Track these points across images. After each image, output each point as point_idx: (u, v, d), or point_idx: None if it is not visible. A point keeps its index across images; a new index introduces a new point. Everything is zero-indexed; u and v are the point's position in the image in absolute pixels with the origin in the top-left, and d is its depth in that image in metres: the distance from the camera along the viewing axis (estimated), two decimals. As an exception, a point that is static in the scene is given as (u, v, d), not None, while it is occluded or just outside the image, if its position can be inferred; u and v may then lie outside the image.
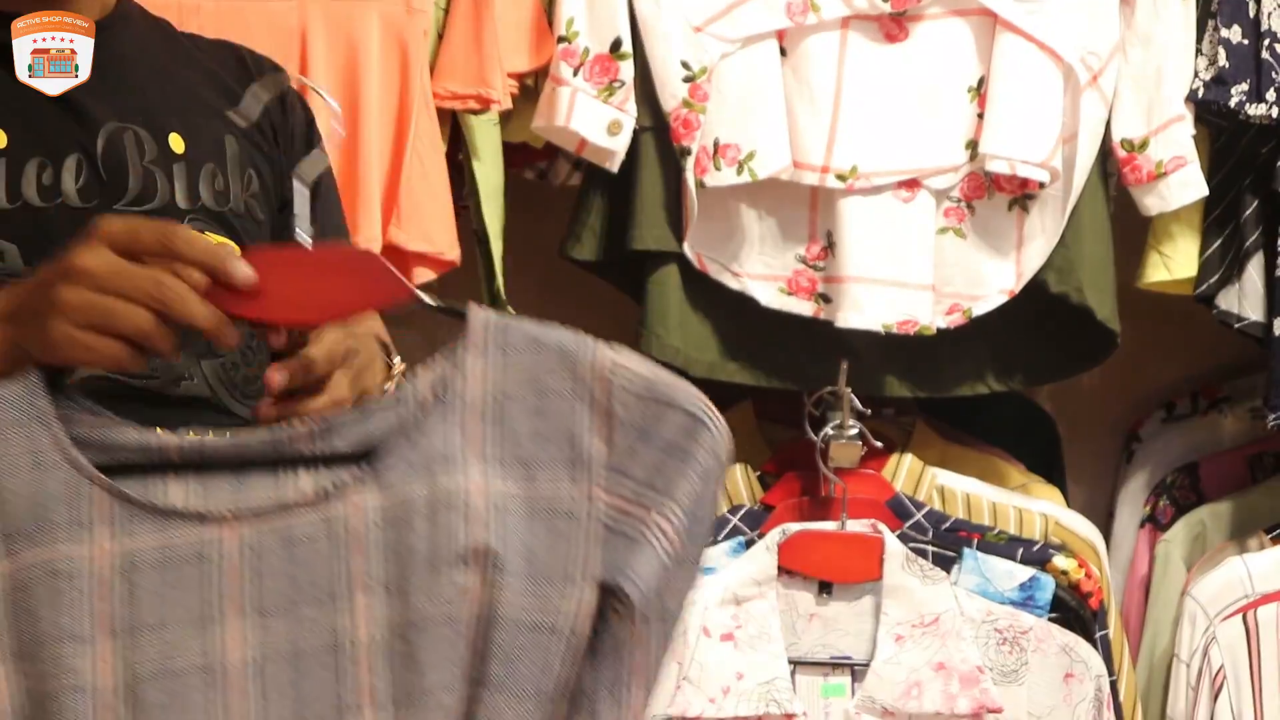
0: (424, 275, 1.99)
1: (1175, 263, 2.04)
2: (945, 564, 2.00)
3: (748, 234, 1.99)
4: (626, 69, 1.92)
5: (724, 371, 2.03)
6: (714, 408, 1.03)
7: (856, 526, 1.99)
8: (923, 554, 1.99)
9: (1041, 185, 1.94)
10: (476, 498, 1.00)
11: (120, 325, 1.13)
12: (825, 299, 2.02)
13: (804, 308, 2.02)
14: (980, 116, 1.94)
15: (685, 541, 1.00)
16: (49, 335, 1.17)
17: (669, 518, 1.00)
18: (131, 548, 1.07)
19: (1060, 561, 1.99)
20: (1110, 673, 1.96)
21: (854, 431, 1.99)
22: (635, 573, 1.00)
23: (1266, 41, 1.99)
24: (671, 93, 1.91)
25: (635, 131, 1.93)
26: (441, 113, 1.91)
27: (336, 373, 1.25)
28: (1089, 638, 1.96)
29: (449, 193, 2.03)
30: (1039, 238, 1.99)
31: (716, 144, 1.93)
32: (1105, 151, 2.00)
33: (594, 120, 1.91)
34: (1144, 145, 1.97)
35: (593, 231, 2.01)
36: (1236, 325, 2.05)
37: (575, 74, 1.90)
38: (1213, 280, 2.04)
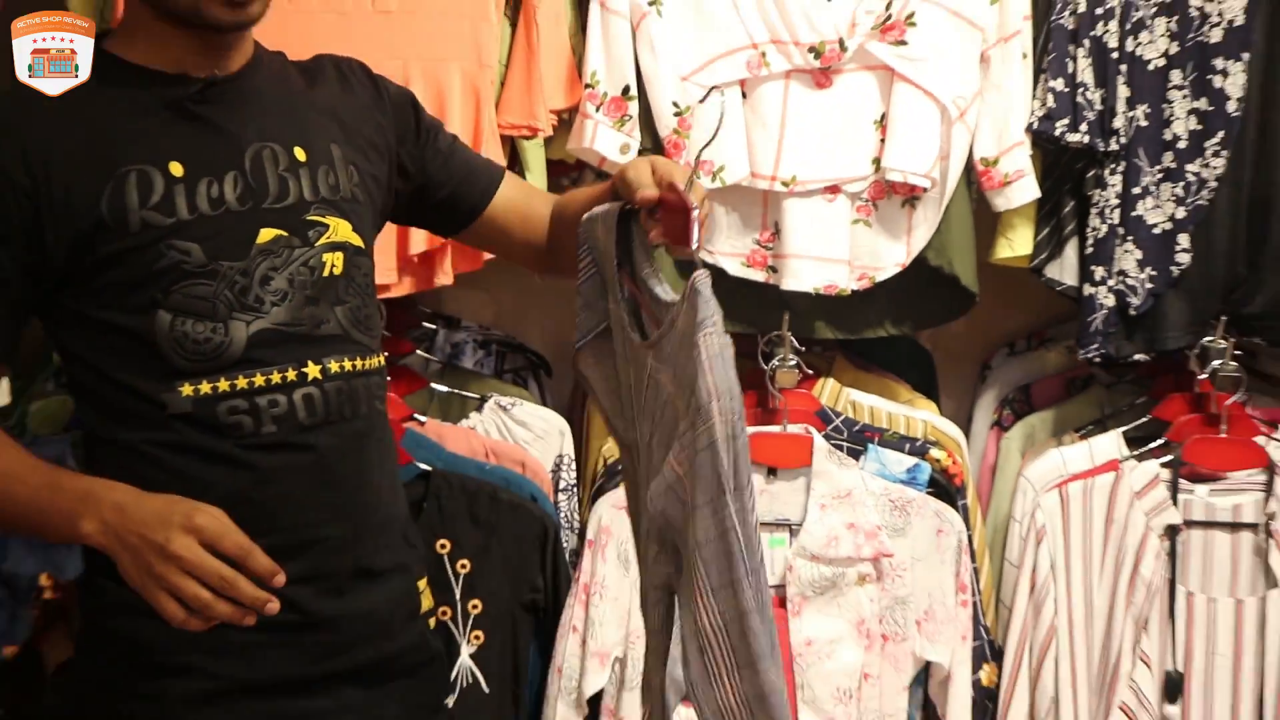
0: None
1: (1016, 244, 2.22)
2: (855, 455, 2.16)
3: (719, 224, 2.14)
4: (634, 107, 2.07)
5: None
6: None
7: (794, 429, 2.16)
8: (840, 448, 2.16)
9: (925, 190, 2.11)
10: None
11: (186, 597, 1.36)
12: (774, 270, 2.16)
13: (758, 276, 2.16)
14: (882, 141, 2.10)
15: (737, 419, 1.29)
16: (135, 578, 1.39)
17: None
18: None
19: (935, 453, 2.18)
20: (968, 529, 2.15)
21: (793, 362, 2.16)
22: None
23: (1080, 90, 2.14)
24: (665, 124, 2.08)
25: (639, 151, 2.07)
26: (503, 138, 2.10)
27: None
28: (954, 505, 2.15)
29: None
30: (922, 226, 2.14)
31: (697, 160, 1.85)
32: (969, 166, 2.16)
33: (610, 143, 2.06)
34: (995, 162, 2.16)
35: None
36: (1058, 289, 2.23)
37: (597, 110, 2.06)
38: (1042, 257, 2.22)
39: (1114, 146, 2.16)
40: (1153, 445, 2.26)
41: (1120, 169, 2.18)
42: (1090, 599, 2.21)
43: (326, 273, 1.55)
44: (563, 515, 2.21)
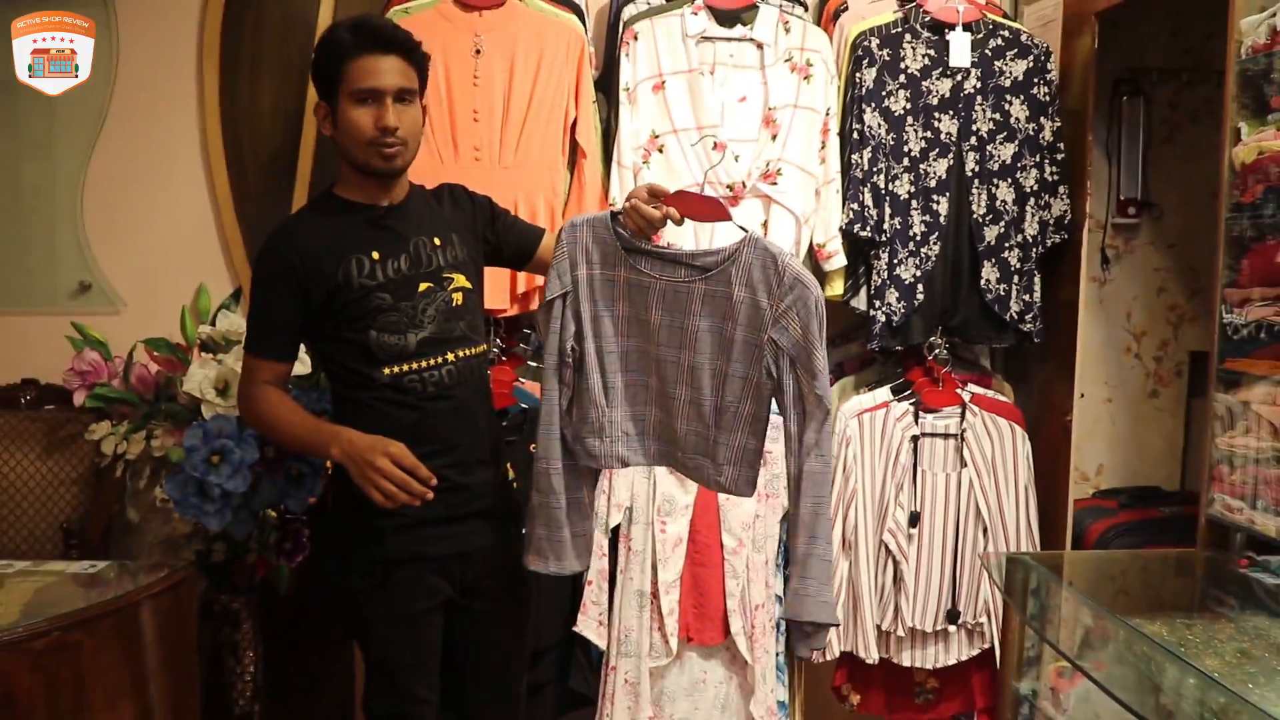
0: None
1: (834, 288, 3.06)
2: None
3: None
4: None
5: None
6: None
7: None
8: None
9: (788, 261, 2.57)
10: (739, 302, 1.75)
11: (384, 490, 1.92)
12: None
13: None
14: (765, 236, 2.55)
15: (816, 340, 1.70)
16: (358, 477, 1.93)
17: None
18: (631, 278, 1.99)
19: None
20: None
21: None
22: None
23: (865, 209, 2.94)
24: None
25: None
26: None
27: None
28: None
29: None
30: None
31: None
32: (810, 249, 3.02)
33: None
34: (824, 245, 3.03)
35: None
36: (857, 312, 3.06)
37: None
38: (849, 295, 3.06)
39: (883, 238, 3.08)
40: (905, 393, 3.17)
41: (886, 250, 3.09)
42: (874, 474, 3.14)
43: (454, 304, 2.19)
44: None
